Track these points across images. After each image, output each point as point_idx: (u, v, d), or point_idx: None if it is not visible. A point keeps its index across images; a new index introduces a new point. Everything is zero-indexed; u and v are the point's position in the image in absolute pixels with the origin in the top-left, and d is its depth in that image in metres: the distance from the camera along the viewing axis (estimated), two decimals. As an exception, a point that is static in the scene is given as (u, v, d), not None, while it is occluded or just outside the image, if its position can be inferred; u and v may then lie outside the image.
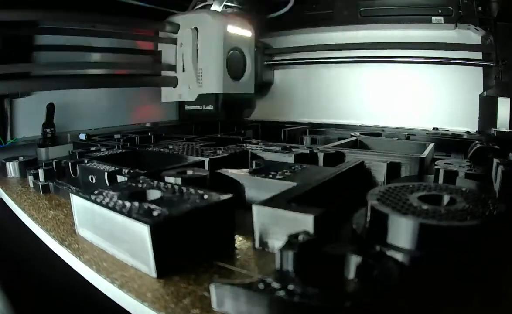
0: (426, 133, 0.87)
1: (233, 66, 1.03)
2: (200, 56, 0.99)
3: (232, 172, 0.44)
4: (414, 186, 0.33)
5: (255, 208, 0.31)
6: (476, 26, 0.96)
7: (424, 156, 0.53)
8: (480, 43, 0.98)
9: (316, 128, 1.03)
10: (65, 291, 0.50)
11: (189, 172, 0.44)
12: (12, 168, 0.65)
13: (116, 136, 0.83)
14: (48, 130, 0.86)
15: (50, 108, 0.86)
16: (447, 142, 0.78)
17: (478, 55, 0.98)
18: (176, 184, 0.39)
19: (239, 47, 1.05)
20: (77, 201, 0.37)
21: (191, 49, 0.98)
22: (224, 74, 0.99)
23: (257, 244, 0.32)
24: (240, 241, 0.35)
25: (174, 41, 1.02)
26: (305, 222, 0.28)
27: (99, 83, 0.97)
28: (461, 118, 1.02)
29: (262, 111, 1.35)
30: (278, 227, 0.30)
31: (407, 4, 1.03)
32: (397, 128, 1.10)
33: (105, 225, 0.33)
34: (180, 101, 1.05)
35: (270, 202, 0.32)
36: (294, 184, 0.36)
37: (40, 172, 0.55)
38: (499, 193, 0.40)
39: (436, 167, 0.42)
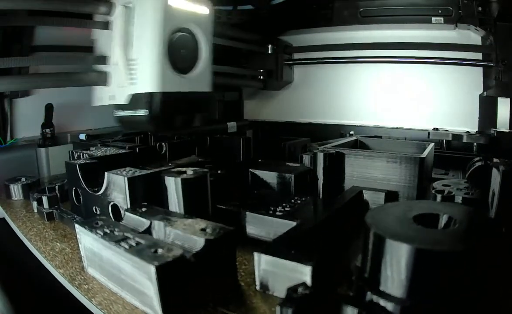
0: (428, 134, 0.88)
1: (179, 54, 0.72)
2: (134, 44, 0.69)
3: (231, 206, 0.45)
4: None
5: (256, 256, 0.33)
6: (476, 26, 0.95)
7: (424, 156, 0.53)
8: (480, 43, 0.98)
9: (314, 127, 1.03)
10: (65, 291, 0.51)
11: (189, 172, 0.44)
12: (15, 191, 0.66)
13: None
14: (47, 130, 0.86)
15: (49, 108, 0.87)
16: (446, 159, 0.78)
17: (478, 55, 0.98)
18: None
19: (188, 28, 0.74)
20: (84, 240, 0.38)
21: (120, 32, 0.69)
22: (162, 65, 0.68)
23: (258, 286, 0.34)
24: (241, 276, 0.37)
25: (107, 26, 0.74)
26: (303, 271, 0.30)
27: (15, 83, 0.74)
28: (461, 118, 1.02)
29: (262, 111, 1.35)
30: (278, 272, 0.32)
31: (407, 4, 1.02)
32: (397, 128, 1.11)
33: (112, 264, 0.34)
34: (112, 104, 0.75)
35: (271, 249, 0.34)
36: (294, 223, 0.37)
37: (44, 199, 0.55)
38: (498, 194, 0.40)
39: (433, 190, 0.42)
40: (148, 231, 0.38)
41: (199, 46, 0.77)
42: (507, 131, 0.94)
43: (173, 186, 0.42)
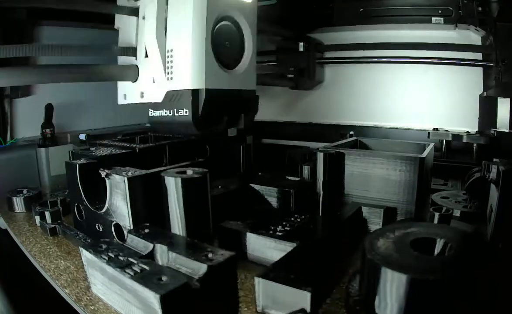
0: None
1: (223, 46, 0.63)
2: (170, 33, 0.61)
3: (233, 225, 0.46)
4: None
5: (256, 280, 0.34)
6: (476, 26, 0.95)
7: (424, 156, 0.53)
8: (480, 43, 0.97)
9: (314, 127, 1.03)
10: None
11: (189, 172, 0.44)
12: (17, 203, 0.66)
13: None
14: (47, 130, 0.87)
15: (49, 108, 0.87)
16: (446, 168, 0.79)
17: (478, 56, 0.98)
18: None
19: (232, 16, 0.65)
20: (89, 263, 0.39)
21: (155, 20, 0.60)
22: (207, 59, 0.59)
23: (258, 308, 0.35)
24: (241, 296, 0.38)
25: (134, 12, 0.66)
26: (302, 297, 0.31)
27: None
28: (461, 118, 1.02)
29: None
30: (278, 296, 0.33)
31: (406, 4, 1.02)
32: (397, 128, 1.11)
33: (117, 289, 0.35)
34: (143, 103, 0.67)
35: (270, 274, 0.35)
36: (294, 244, 0.38)
37: (47, 214, 0.56)
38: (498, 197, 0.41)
39: (432, 208, 0.42)
40: (152, 254, 0.39)
41: (244, 38, 0.67)
42: (507, 131, 0.94)
43: (173, 186, 0.42)
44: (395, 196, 0.50)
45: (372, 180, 0.52)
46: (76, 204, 0.54)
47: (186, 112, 0.60)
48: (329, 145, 0.65)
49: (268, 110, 1.33)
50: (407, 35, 1.05)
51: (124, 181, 0.43)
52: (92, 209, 0.50)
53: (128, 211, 0.44)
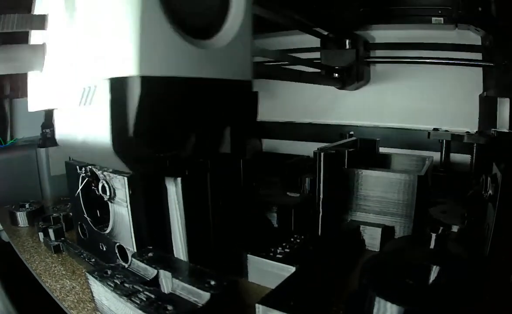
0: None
1: None
2: None
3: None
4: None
5: (257, 307, 0.34)
6: (476, 26, 0.94)
7: (422, 174, 0.54)
8: (480, 43, 0.97)
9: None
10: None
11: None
12: (20, 218, 0.67)
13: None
14: (47, 130, 0.87)
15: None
16: (445, 179, 0.79)
17: (478, 56, 0.97)
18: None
19: None
20: (95, 288, 0.40)
21: None
22: (146, 15, 0.27)
23: None
24: None
25: None
26: None
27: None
28: (461, 118, 1.02)
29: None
30: None
31: (406, 4, 1.01)
32: (397, 128, 1.11)
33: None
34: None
35: (270, 301, 0.35)
36: (294, 269, 0.39)
37: (50, 231, 0.57)
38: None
39: (429, 229, 0.43)
40: (156, 279, 0.40)
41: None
42: (507, 131, 0.94)
43: (173, 186, 0.41)
44: (393, 213, 0.51)
45: (371, 197, 0.53)
46: (80, 222, 0.55)
47: (102, 128, 0.30)
48: (329, 145, 0.65)
49: (267, 110, 1.34)
50: (407, 35, 1.04)
51: (128, 208, 0.44)
52: (96, 229, 0.51)
53: (131, 235, 0.45)
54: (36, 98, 0.41)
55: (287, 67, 0.88)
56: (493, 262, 0.38)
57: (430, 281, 0.33)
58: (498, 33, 0.92)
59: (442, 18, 0.98)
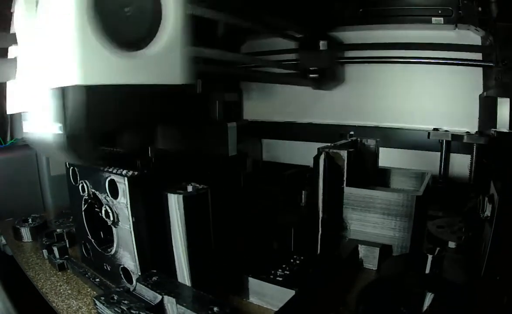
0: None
1: (119, 13, 0.36)
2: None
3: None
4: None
5: None
6: (476, 26, 0.94)
7: (420, 194, 0.55)
8: (480, 44, 0.97)
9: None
10: None
11: (189, 188, 0.46)
12: (24, 233, 0.68)
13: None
14: None
15: None
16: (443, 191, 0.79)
17: (478, 56, 0.97)
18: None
19: None
20: (101, 311, 0.41)
21: None
22: (84, 33, 0.33)
23: None
24: None
25: None
26: None
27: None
28: (461, 118, 1.02)
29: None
30: None
31: (406, 4, 1.00)
32: (397, 128, 1.11)
33: None
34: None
35: None
36: (293, 292, 0.40)
37: (55, 249, 0.58)
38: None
39: (425, 250, 0.44)
40: (161, 305, 0.41)
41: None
42: (507, 131, 0.95)
43: (174, 203, 0.43)
44: (391, 231, 0.52)
45: (370, 216, 0.54)
46: (83, 242, 0.56)
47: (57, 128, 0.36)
48: (329, 145, 0.65)
49: (266, 109, 1.34)
50: (407, 35, 1.04)
51: (131, 233, 0.45)
52: (100, 250, 0.52)
53: (136, 260, 0.46)
54: (12, 102, 0.47)
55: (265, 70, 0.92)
56: (487, 284, 0.39)
57: (424, 309, 0.34)
58: (498, 33, 0.92)
59: (442, 18, 0.97)
